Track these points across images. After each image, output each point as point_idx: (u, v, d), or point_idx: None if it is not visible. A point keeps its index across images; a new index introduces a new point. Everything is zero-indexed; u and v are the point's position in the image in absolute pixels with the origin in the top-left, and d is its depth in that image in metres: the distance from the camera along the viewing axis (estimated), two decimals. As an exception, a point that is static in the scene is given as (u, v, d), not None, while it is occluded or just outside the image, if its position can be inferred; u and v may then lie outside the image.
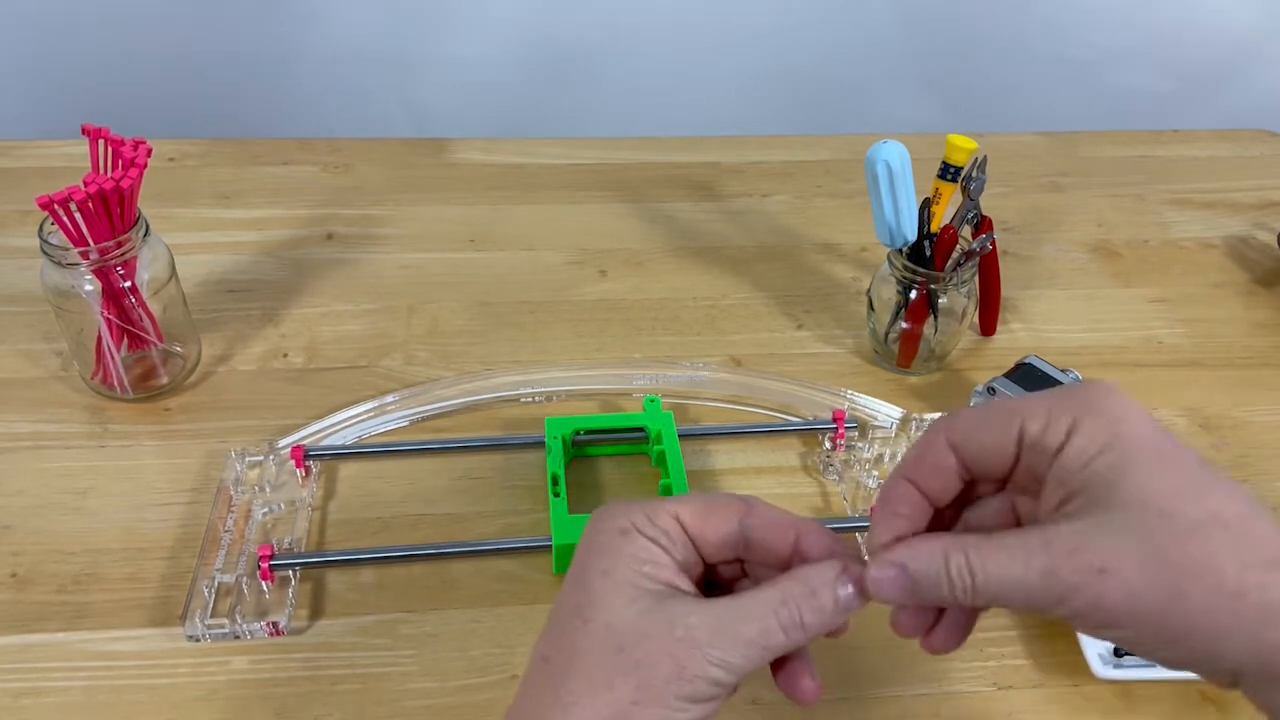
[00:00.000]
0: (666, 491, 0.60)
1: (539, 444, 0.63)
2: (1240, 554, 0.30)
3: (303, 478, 0.61)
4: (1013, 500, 0.36)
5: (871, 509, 0.57)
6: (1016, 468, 0.35)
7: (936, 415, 0.66)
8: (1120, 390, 0.33)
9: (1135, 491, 0.31)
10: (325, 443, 0.63)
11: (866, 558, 0.36)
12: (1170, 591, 0.30)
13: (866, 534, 0.44)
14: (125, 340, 0.64)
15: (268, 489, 0.60)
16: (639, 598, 0.35)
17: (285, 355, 0.71)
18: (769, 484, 0.63)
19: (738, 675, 0.34)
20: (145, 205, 0.61)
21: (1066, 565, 0.31)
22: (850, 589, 0.35)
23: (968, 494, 0.37)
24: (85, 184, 0.56)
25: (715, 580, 0.39)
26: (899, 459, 0.59)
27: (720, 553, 0.37)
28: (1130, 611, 0.31)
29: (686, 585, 0.36)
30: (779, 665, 0.38)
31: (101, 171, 0.60)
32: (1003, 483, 0.36)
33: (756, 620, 0.34)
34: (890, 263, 0.68)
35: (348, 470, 0.62)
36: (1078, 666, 0.51)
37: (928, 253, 0.67)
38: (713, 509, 0.37)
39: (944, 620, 0.37)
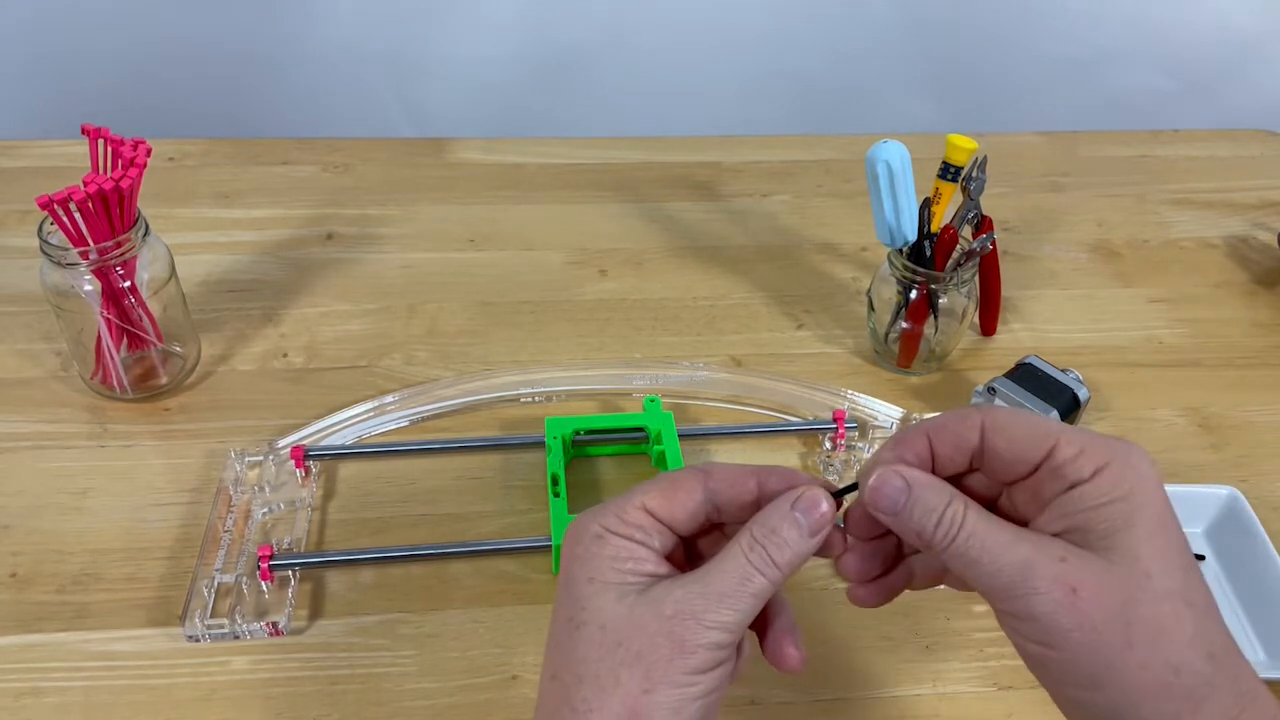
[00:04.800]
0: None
1: (539, 444, 0.63)
2: (1193, 634, 0.33)
3: (302, 478, 0.61)
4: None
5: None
6: (1023, 482, 0.36)
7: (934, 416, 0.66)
8: (1149, 456, 0.35)
9: (1132, 545, 0.33)
10: (325, 443, 0.63)
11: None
12: (1123, 640, 0.32)
13: (869, 458, 0.46)
14: (125, 340, 0.64)
15: (267, 489, 0.60)
16: (625, 595, 0.36)
17: (285, 355, 0.71)
18: (769, 484, 0.63)
19: (735, 632, 0.35)
20: (145, 205, 0.61)
21: (1047, 569, 0.33)
22: (803, 516, 0.36)
23: (957, 480, 0.38)
24: (85, 184, 0.56)
25: (696, 554, 0.40)
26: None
27: (693, 525, 0.38)
28: (1077, 640, 0.33)
29: (668, 570, 0.37)
30: (764, 636, 0.39)
31: (101, 171, 0.60)
32: (994, 489, 0.38)
33: (733, 572, 0.35)
34: (890, 263, 0.68)
35: (347, 470, 0.62)
36: (1078, 666, 0.51)
37: (928, 253, 0.67)
38: (676, 487, 0.38)
39: (885, 578, 0.39)
